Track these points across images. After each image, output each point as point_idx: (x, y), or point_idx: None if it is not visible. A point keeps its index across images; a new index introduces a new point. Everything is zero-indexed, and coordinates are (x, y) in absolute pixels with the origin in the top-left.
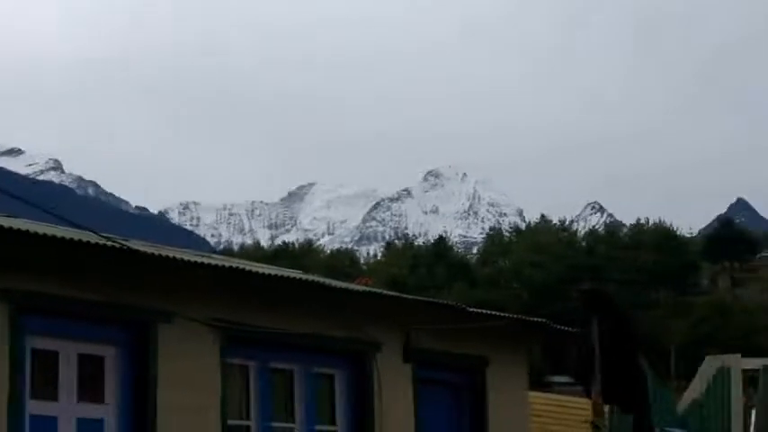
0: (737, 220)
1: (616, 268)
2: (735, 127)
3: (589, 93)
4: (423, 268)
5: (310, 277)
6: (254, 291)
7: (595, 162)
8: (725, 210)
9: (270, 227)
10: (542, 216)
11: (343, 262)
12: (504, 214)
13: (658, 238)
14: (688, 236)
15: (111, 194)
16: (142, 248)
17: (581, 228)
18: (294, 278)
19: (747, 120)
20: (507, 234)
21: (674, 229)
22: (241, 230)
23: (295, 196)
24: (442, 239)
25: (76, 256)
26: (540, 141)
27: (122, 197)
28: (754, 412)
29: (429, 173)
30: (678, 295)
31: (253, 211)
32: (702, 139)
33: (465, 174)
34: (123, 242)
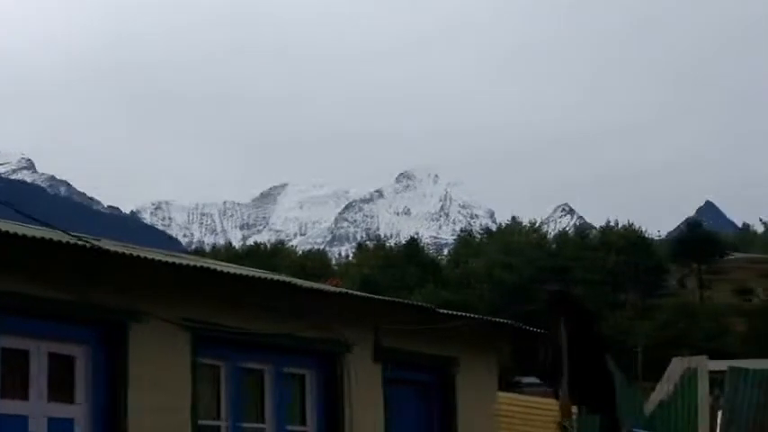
0: (705, 223)
1: (585, 270)
2: (704, 131)
3: (559, 95)
4: (394, 269)
5: (281, 278)
6: (226, 291)
7: (566, 164)
8: (693, 212)
9: (242, 227)
10: (513, 218)
11: (314, 262)
12: (476, 216)
13: (627, 241)
14: (656, 238)
15: (83, 194)
16: (113, 248)
17: (551, 230)
18: (265, 279)
19: (717, 124)
20: (478, 235)
21: (643, 231)
22: (213, 231)
23: (267, 197)
24: (413, 241)
25: (48, 255)
26: (512, 143)
27: (94, 197)
28: (720, 414)
29: (401, 174)
30: (646, 297)
31: (225, 211)
32: (672, 143)
33: (437, 175)
34: (95, 242)
